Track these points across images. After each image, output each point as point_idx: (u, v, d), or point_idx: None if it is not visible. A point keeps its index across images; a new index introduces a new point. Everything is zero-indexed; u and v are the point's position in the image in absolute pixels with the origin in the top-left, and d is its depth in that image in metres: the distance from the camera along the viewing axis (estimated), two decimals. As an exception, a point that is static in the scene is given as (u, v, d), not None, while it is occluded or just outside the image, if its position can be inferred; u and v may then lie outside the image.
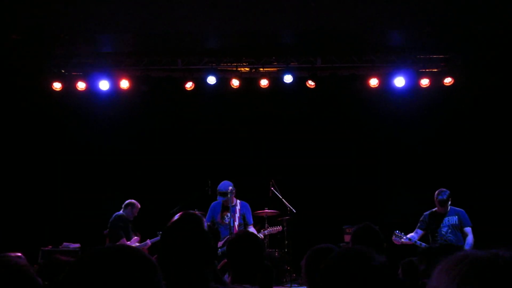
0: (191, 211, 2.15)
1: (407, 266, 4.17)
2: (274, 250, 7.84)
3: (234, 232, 6.47)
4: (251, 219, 6.91)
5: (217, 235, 5.00)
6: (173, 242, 1.92)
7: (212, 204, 6.91)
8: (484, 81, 8.26)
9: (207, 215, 6.78)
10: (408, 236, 6.43)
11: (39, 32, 7.49)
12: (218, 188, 6.76)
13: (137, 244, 7.04)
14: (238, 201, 6.85)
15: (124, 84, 8.66)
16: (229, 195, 6.60)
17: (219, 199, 6.71)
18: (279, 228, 7.39)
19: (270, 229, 7.29)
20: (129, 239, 7.07)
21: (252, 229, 6.80)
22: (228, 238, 6.02)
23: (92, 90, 8.80)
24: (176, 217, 2.02)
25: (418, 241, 6.40)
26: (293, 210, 7.63)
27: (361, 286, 1.59)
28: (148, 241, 7.15)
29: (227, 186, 6.69)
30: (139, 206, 7.23)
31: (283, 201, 7.63)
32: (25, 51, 8.07)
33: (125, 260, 1.06)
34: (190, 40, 7.99)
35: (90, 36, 7.82)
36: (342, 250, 1.81)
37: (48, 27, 7.30)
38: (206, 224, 2.00)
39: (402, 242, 6.37)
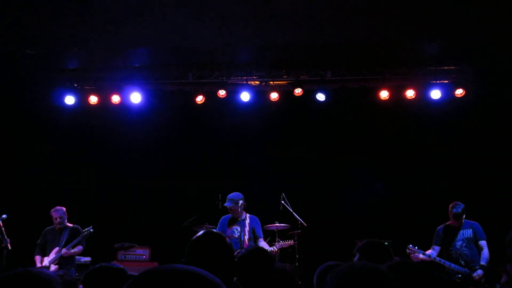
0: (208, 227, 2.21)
1: None
2: (285, 264, 7.76)
3: (245, 246, 6.43)
4: (261, 233, 6.87)
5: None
6: (198, 256, 1.98)
7: (222, 218, 6.90)
8: (496, 92, 8.19)
9: (217, 229, 6.75)
10: (427, 253, 6.33)
11: (52, 46, 7.60)
12: (228, 196, 6.76)
13: (54, 255, 6.92)
14: (248, 214, 6.83)
15: (135, 97, 8.73)
16: (239, 206, 6.59)
17: (227, 205, 6.70)
18: (291, 242, 7.32)
19: (281, 243, 7.23)
20: (49, 252, 7.01)
21: (263, 243, 6.77)
22: (238, 252, 5.98)
23: (104, 104, 8.89)
24: (200, 233, 2.10)
25: (438, 258, 6.30)
26: (304, 224, 7.57)
27: None
28: (79, 248, 7.04)
29: (238, 196, 6.69)
30: (52, 212, 7.19)
31: (294, 214, 7.57)
32: (38, 66, 8.19)
33: None
34: (200, 54, 8.05)
35: (102, 51, 7.92)
36: (352, 268, 1.53)
37: (61, 41, 7.40)
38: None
39: (421, 258, 6.25)
